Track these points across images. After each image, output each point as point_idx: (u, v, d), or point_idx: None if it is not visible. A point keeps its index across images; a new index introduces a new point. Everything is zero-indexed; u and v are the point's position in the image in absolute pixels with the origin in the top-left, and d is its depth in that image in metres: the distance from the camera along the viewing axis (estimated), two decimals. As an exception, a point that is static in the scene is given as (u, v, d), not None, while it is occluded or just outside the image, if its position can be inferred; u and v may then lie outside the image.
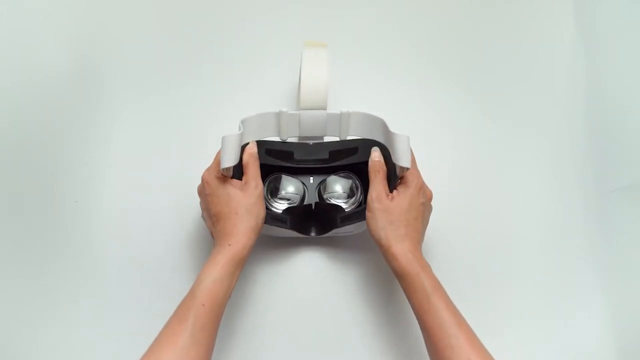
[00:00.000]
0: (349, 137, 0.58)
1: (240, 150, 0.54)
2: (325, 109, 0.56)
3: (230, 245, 0.52)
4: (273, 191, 0.61)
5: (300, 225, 0.60)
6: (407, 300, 0.54)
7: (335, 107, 0.58)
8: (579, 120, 0.74)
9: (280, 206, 0.61)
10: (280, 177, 0.61)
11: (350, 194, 0.61)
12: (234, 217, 0.53)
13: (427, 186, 0.58)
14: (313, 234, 0.62)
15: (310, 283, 0.66)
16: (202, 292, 0.49)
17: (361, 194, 0.61)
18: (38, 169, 0.64)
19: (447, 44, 0.78)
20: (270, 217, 0.58)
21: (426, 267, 0.53)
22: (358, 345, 0.64)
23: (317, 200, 0.61)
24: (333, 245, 0.67)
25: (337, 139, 0.58)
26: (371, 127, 0.56)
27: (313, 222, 0.62)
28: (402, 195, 0.55)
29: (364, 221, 0.58)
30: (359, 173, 0.61)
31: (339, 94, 0.68)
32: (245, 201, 0.54)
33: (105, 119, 0.70)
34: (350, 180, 0.61)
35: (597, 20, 0.76)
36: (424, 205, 0.56)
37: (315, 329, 0.65)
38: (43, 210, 0.63)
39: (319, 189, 0.61)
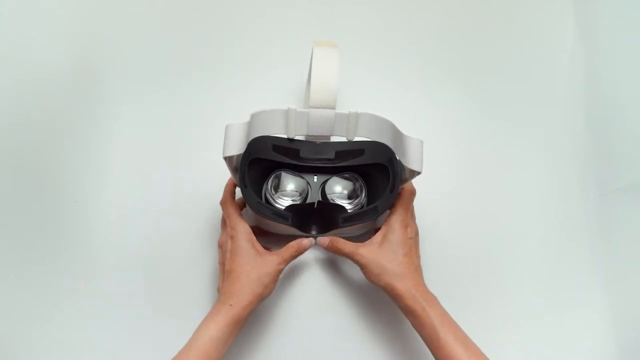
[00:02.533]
0: (356, 138, 0.58)
1: (245, 140, 0.54)
2: (334, 108, 0.56)
3: (231, 305, 0.53)
4: (276, 187, 0.61)
5: (302, 223, 0.60)
6: None
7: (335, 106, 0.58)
8: (579, 120, 0.74)
9: (283, 202, 0.61)
10: (282, 173, 0.61)
11: (354, 196, 0.61)
12: (244, 279, 0.55)
13: (413, 221, 0.60)
14: (314, 232, 0.62)
15: (311, 280, 0.66)
16: (198, 350, 0.50)
17: (365, 196, 0.61)
18: (38, 169, 0.64)
19: (446, 44, 0.78)
20: (273, 213, 0.57)
21: (431, 301, 0.54)
22: (361, 345, 0.64)
23: (320, 199, 0.61)
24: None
25: (345, 139, 0.58)
26: (379, 129, 0.56)
27: (315, 221, 0.61)
28: (388, 239, 0.57)
29: (366, 223, 0.58)
30: (364, 175, 0.61)
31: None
32: (261, 270, 0.55)
33: (105, 119, 0.70)
34: (355, 182, 0.61)
35: (597, 20, 0.76)
36: (412, 240, 0.58)
37: (315, 326, 0.65)
38: (43, 210, 0.63)
39: (323, 188, 0.61)
